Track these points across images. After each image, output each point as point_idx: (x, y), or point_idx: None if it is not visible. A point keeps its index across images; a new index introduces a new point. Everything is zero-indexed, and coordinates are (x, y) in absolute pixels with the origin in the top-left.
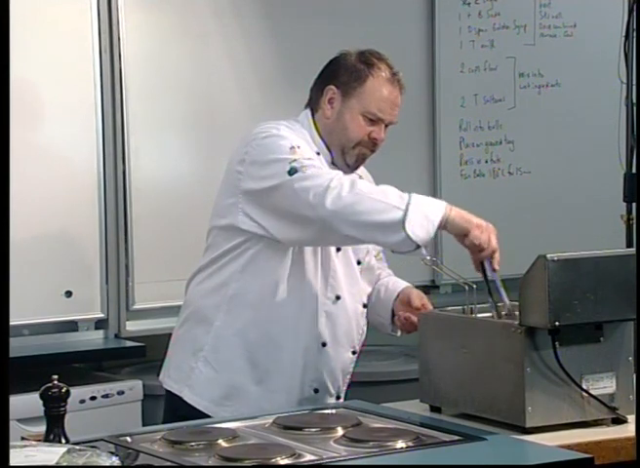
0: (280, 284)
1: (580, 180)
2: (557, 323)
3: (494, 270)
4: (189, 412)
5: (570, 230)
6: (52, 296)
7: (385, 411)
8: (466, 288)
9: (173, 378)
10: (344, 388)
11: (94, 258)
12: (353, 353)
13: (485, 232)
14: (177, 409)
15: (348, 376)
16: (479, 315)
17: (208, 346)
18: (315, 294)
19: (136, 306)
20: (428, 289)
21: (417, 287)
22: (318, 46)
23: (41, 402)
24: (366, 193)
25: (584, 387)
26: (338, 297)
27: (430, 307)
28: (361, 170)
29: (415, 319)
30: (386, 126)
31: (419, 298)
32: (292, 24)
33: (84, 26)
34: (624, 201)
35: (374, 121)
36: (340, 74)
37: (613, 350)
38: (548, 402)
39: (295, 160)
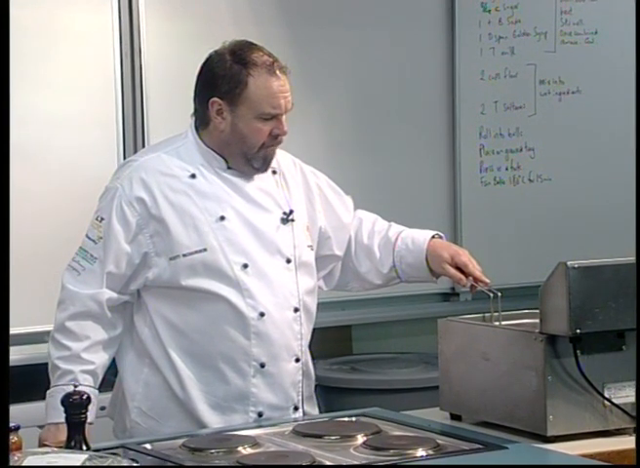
0: (194, 323)
1: (601, 188)
2: (578, 331)
3: None
4: None
5: (590, 237)
6: None
7: (405, 419)
8: (490, 295)
9: (117, 425)
10: (300, 398)
11: None
12: (297, 361)
13: None
14: None
15: (300, 385)
16: (502, 323)
17: (139, 396)
18: (236, 321)
19: None
20: (448, 296)
21: (436, 294)
22: (338, 53)
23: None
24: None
25: (606, 396)
26: (262, 314)
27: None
28: (313, 173)
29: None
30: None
31: (465, 265)
32: (311, 32)
33: (105, 34)
34: None
35: (270, 119)
36: (219, 83)
37: (635, 358)
38: (570, 410)
39: (81, 248)
